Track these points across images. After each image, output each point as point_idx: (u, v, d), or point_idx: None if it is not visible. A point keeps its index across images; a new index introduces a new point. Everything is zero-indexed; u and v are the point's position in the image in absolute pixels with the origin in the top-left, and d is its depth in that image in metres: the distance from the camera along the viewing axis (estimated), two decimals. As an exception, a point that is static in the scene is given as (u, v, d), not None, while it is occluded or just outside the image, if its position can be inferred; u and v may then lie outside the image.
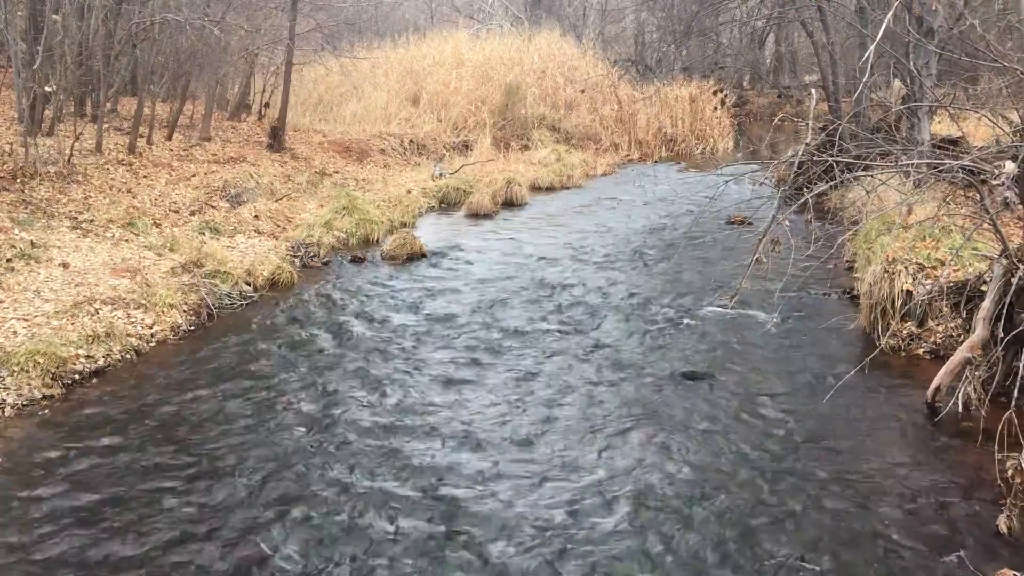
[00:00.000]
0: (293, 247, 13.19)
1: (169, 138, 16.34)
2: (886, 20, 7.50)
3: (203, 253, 11.59)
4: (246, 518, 6.24)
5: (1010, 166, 7.71)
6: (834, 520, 6.16)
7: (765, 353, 9.30)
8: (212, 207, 14.17)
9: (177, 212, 13.52)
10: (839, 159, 8.21)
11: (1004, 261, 7.81)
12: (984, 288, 8.20)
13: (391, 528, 6.13)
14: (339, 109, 23.20)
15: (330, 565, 5.72)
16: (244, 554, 5.82)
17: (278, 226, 14.25)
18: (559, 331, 10.08)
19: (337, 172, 18.36)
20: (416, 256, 13.25)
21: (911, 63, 13.32)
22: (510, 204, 17.34)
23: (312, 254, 13.10)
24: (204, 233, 12.85)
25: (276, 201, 15.29)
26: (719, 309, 10.52)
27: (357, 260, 13.12)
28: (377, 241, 14.19)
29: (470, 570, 5.68)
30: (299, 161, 18.08)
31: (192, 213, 13.65)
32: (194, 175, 15.12)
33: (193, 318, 10.22)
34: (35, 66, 13.18)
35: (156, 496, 6.49)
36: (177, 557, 5.78)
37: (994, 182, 7.82)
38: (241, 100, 20.39)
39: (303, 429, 7.65)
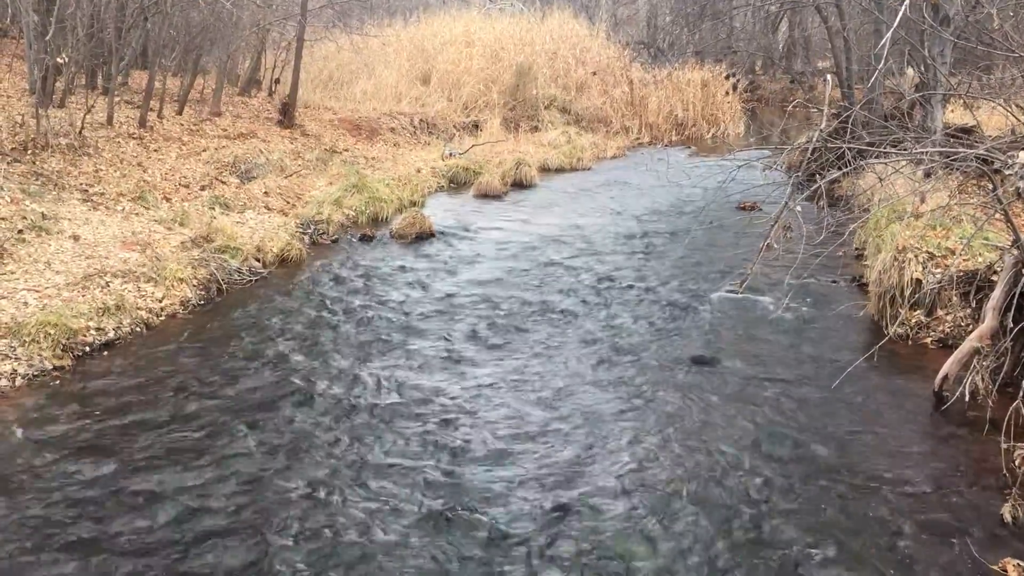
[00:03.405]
0: (302, 224, 13.19)
1: (180, 112, 16.34)
2: (903, 7, 7.45)
3: (213, 228, 11.61)
4: (255, 492, 6.29)
5: (1023, 156, 7.67)
6: (839, 507, 6.19)
7: (773, 339, 9.31)
8: (222, 182, 14.18)
9: (187, 187, 13.54)
10: (852, 146, 8.19)
11: (1015, 251, 7.79)
12: (994, 278, 8.20)
13: (397, 504, 6.18)
14: (349, 87, 23.13)
15: (338, 537, 5.77)
16: (254, 527, 5.87)
17: (288, 203, 14.26)
18: (567, 313, 10.09)
19: (347, 150, 18.34)
20: (425, 235, 13.26)
21: (926, 51, 13.25)
22: (519, 185, 17.31)
23: (321, 231, 13.11)
24: (214, 208, 12.86)
25: (286, 178, 15.30)
26: (728, 294, 10.52)
27: (366, 238, 13.13)
28: (386, 220, 14.18)
29: (475, 545, 5.73)
30: (309, 138, 18.06)
31: (202, 188, 13.66)
32: (204, 150, 15.12)
33: (203, 293, 10.25)
34: (47, 37, 13.18)
35: (166, 469, 6.55)
36: (188, 529, 5.83)
37: (1007, 172, 7.79)
38: (252, 76, 20.36)
39: (311, 405, 7.69)
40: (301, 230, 12.92)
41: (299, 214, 13.70)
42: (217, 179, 14.19)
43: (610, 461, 6.81)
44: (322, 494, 6.29)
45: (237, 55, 19.82)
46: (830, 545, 5.74)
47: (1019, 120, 9.75)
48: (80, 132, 13.21)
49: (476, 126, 22.06)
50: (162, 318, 9.53)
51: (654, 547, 5.74)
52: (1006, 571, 5.37)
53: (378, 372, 8.42)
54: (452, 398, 7.89)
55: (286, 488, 6.36)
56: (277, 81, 20.48)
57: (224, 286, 10.49)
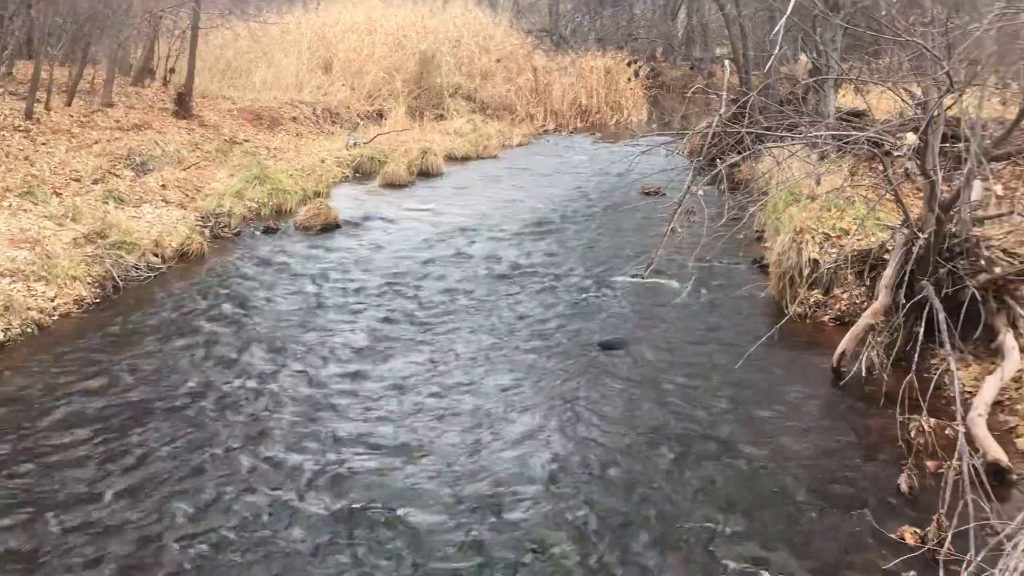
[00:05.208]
0: (203, 217, 12.82)
1: (69, 103, 15.67)
2: (796, -6, 7.61)
3: (107, 223, 11.17)
4: (155, 499, 6.09)
5: (911, 137, 7.95)
6: (743, 483, 6.35)
7: (678, 321, 9.46)
8: (116, 176, 13.65)
9: (79, 181, 13.00)
10: (750, 130, 8.37)
11: (905, 230, 8.09)
12: (887, 256, 8.49)
13: (302, 503, 6.07)
14: (249, 76, 22.54)
15: (244, 538, 5.64)
16: (152, 539, 5.69)
17: (187, 195, 13.83)
18: (473, 301, 10.07)
19: (248, 140, 17.89)
20: (330, 226, 13.05)
21: (818, 37, 13.62)
22: (425, 174, 17.16)
23: (223, 224, 12.76)
24: (108, 202, 12.36)
25: (184, 170, 14.83)
26: (634, 279, 10.65)
27: (270, 230, 12.85)
28: (290, 211, 13.91)
29: (388, 542, 5.67)
30: (207, 129, 17.55)
31: (95, 182, 13.13)
32: (96, 142, 14.55)
33: (98, 290, 9.88)
34: (-79, 25, 12.48)
35: (54, 473, 6.29)
36: (68, 540, 5.61)
37: (896, 153, 8.06)
38: (145, 65, 19.65)
39: (212, 404, 7.49)
40: (201, 223, 12.55)
41: (199, 207, 13.31)
42: (110, 172, 13.66)
43: (519, 448, 6.82)
44: (220, 496, 6.14)
45: (129, 43, 19.10)
46: (736, 520, 5.87)
47: (907, 103, 10.11)
48: (-40, 125, 12.56)
49: (380, 115, 21.78)
50: (55, 318, 9.15)
51: (566, 531, 5.77)
52: (904, 539, 5.57)
53: (281, 367, 8.25)
54: (356, 392, 7.78)
55: (180, 492, 6.18)
56: (172, 70, 19.82)
57: (121, 283, 10.13)
